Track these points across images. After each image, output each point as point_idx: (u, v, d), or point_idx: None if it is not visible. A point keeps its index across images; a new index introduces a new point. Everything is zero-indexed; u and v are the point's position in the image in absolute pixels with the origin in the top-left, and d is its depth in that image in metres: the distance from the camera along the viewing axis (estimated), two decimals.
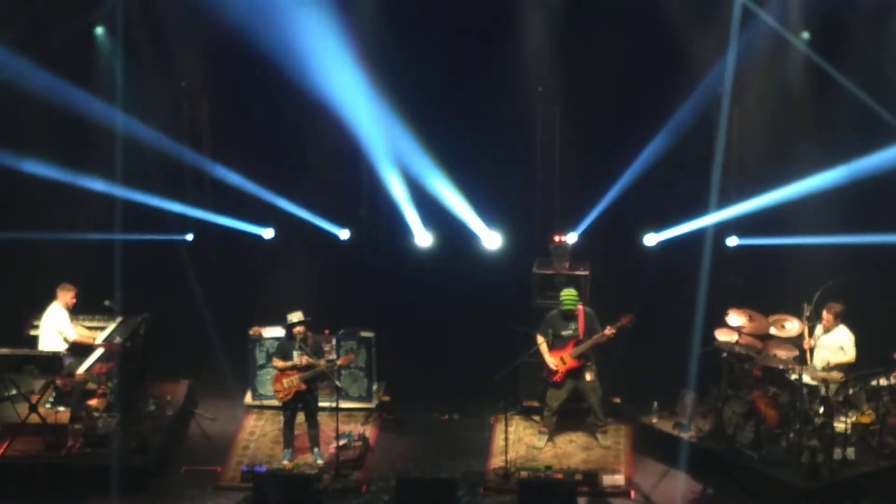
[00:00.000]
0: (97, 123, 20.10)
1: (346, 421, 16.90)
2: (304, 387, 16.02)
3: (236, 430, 17.09)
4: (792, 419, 15.78)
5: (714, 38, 19.34)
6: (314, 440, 16.29)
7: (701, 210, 20.35)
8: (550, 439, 16.78)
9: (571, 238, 17.38)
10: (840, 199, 18.98)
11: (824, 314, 16.11)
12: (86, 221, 20.50)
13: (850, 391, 15.80)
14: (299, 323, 15.97)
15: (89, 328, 17.14)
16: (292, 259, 20.35)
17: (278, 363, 16.06)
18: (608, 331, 16.37)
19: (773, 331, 16.47)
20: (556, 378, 16.47)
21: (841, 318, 16.09)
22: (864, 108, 19.04)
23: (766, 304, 16.92)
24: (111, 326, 17.08)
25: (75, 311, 17.04)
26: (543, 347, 16.53)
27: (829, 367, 15.78)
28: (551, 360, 16.48)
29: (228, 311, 18.99)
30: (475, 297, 19.39)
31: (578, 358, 16.42)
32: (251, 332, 17.51)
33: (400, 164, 20.62)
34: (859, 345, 16.07)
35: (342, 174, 20.57)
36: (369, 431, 16.99)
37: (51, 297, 16.93)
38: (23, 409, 16.16)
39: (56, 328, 16.61)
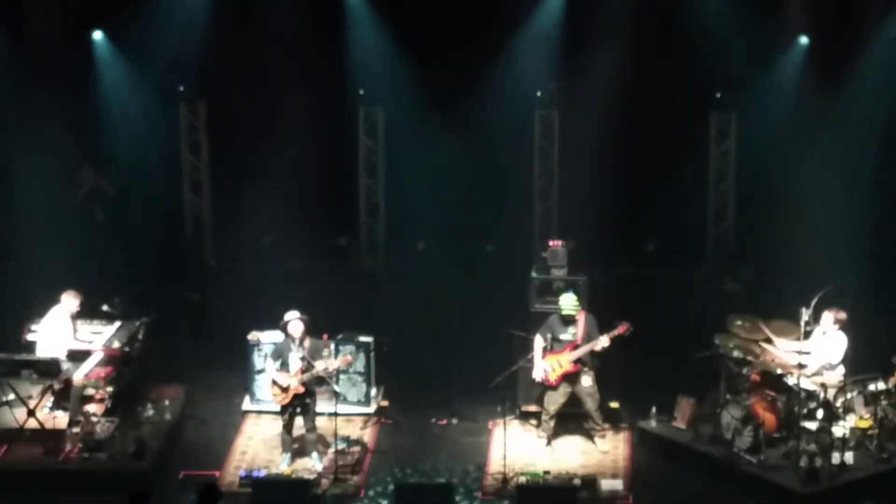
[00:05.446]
0: (95, 128, 20.15)
1: (345, 426, 16.88)
2: (302, 391, 15.99)
3: (234, 434, 17.06)
4: (790, 424, 15.76)
5: (715, 43, 19.34)
6: (312, 445, 16.26)
7: (700, 215, 20.43)
8: (549, 444, 16.75)
9: (568, 243, 17.27)
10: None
11: (826, 316, 15.94)
12: (86, 222, 20.53)
13: (849, 396, 15.78)
14: (294, 319, 15.89)
15: (93, 333, 17.07)
16: (291, 264, 20.35)
17: (273, 370, 15.96)
18: (604, 340, 16.25)
19: (771, 335, 16.43)
20: (551, 382, 16.43)
21: (841, 325, 15.98)
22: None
23: (764, 308, 16.88)
24: (110, 331, 17.05)
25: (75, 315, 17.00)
26: (538, 351, 16.48)
27: (819, 371, 15.75)
28: (538, 369, 16.41)
29: (227, 316, 18.96)
30: (473, 302, 19.36)
31: (575, 363, 16.38)
32: (249, 337, 17.49)
33: (397, 167, 20.64)
34: (858, 349, 16.00)
35: (340, 179, 20.60)
36: (368, 436, 16.97)
37: (47, 302, 16.84)
38: (21, 413, 16.13)
39: (59, 336, 16.53)
